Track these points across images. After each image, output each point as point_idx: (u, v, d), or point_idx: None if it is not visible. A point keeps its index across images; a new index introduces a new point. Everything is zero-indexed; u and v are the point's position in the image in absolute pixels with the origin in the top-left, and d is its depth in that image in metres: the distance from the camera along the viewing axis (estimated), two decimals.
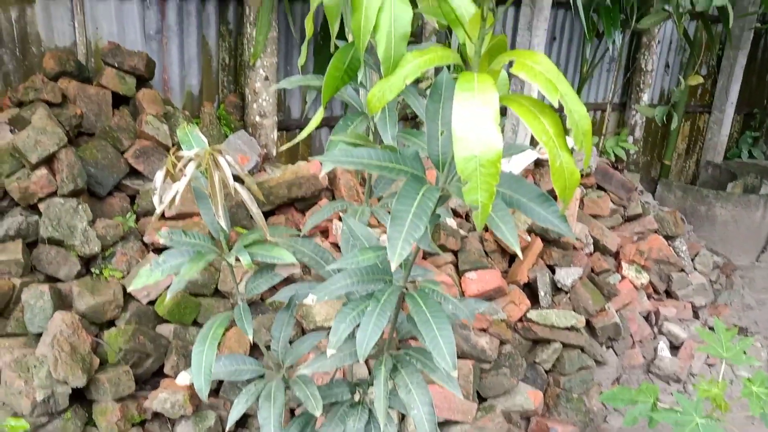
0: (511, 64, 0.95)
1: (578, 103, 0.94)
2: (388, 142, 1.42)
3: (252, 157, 3.33)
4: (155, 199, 1.23)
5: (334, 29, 1.51)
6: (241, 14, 3.64)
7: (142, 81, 3.41)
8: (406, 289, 1.36)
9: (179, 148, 1.56)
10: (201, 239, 1.35)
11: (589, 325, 3.43)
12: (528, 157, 3.51)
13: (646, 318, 3.82)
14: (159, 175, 1.24)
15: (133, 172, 3.09)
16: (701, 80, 5.16)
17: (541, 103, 0.95)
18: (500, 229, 1.01)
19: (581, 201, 3.76)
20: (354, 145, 1.29)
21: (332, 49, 1.49)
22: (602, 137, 5.37)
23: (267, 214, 3.33)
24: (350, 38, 1.53)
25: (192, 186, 1.34)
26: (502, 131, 4.04)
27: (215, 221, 1.35)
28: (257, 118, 3.68)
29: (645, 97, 5.46)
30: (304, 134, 1.50)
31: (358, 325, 1.32)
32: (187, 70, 3.71)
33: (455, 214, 3.49)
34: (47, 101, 2.95)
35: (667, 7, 4.46)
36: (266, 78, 3.60)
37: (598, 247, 3.75)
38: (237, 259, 1.41)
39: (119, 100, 3.32)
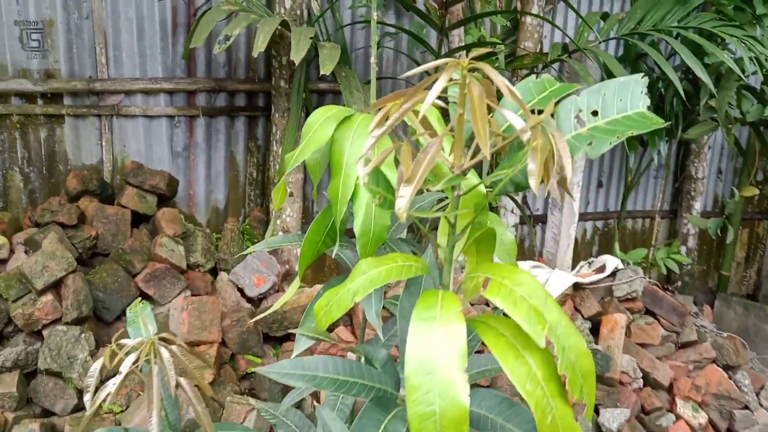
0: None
1: (575, 335, 0.72)
2: (371, 319, 1.22)
3: (269, 278, 3.18)
4: (86, 398, 1.06)
5: (316, 183, 1.36)
6: (270, 131, 3.62)
7: (164, 199, 3.36)
8: None
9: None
10: None
11: None
12: (566, 281, 3.24)
13: None
14: (95, 366, 1.07)
15: (144, 296, 2.97)
16: (756, 192, 4.83)
17: (526, 334, 0.74)
18: None
19: (628, 328, 3.43)
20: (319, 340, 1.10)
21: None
22: (652, 249, 5.04)
23: (281, 339, 3.14)
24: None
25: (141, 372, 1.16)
26: (542, 240, 3.71)
27: (169, 414, 1.15)
28: (280, 234, 3.56)
29: (697, 205, 5.13)
30: (277, 306, 1.32)
31: None
32: (213, 185, 3.67)
33: None
34: (62, 223, 2.90)
35: (714, 116, 4.24)
36: (291, 194, 3.51)
37: (648, 381, 3.37)
38: None
39: (140, 219, 3.27)
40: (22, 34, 3.09)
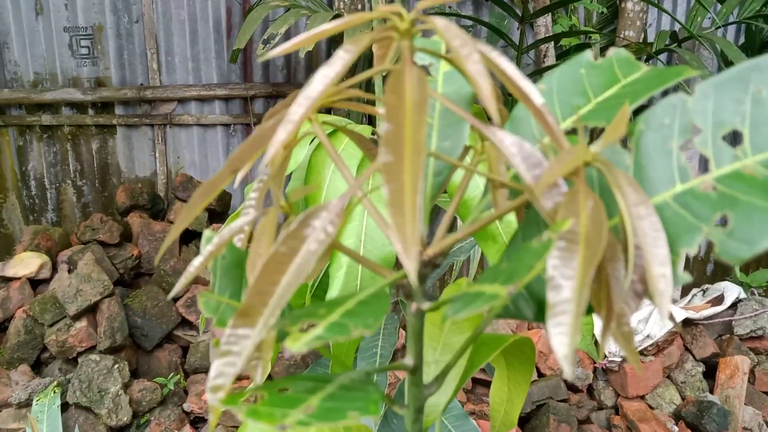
0: None
1: None
2: None
3: None
4: None
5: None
6: None
7: (216, 214, 3.12)
8: None
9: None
10: None
11: None
12: (675, 316, 2.68)
13: None
14: None
15: (185, 322, 2.73)
16: None
17: None
18: None
19: (752, 373, 2.82)
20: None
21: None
22: None
23: None
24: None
25: None
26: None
27: None
28: None
29: None
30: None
31: None
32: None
33: (569, 388, 2.71)
34: (103, 242, 2.72)
35: None
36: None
37: None
38: None
39: (192, 235, 3.04)
40: (71, 41, 2.94)
